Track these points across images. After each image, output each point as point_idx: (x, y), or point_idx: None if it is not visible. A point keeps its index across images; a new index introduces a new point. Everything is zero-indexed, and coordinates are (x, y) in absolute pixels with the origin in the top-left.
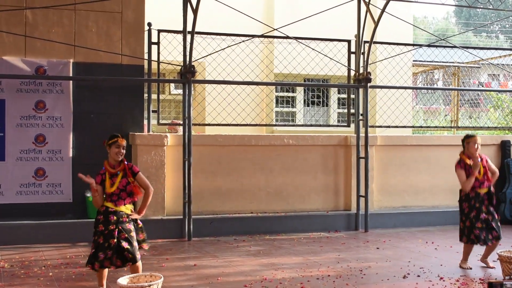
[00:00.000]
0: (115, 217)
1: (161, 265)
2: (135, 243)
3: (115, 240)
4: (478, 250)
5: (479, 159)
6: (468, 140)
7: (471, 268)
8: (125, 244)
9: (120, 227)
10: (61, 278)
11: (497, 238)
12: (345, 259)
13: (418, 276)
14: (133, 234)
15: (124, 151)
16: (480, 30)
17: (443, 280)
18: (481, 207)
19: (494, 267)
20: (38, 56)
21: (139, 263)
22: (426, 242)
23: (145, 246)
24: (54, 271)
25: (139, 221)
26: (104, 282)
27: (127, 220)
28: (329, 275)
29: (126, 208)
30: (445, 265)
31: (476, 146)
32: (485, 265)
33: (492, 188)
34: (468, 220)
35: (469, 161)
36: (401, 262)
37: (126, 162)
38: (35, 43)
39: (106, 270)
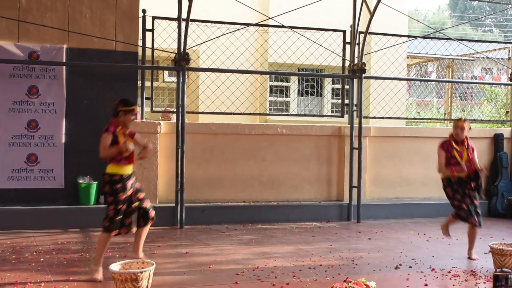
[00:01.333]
0: (130, 182)
1: (153, 252)
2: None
3: (137, 203)
4: (464, 245)
5: (466, 146)
6: (455, 122)
7: (449, 236)
8: (146, 204)
9: (136, 188)
10: (52, 263)
11: (479, 224)
12: (337, 249)
13: (410, 267)
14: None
15: None
16: (477, 23)
17: (435, 271)
18: (464, 190)
19: (477, 259)
20: (31, 41)
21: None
22: (418, 234)
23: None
24: (45, 256)
25: None
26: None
27: (136, 179)
28: (321, 265)
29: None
30: (436, 257)
31: (459, 129)
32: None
33: (479, 176)
34: (455, 200)
35: (455, 145)
36: (393, 253)
37: None
38: (29, 28)
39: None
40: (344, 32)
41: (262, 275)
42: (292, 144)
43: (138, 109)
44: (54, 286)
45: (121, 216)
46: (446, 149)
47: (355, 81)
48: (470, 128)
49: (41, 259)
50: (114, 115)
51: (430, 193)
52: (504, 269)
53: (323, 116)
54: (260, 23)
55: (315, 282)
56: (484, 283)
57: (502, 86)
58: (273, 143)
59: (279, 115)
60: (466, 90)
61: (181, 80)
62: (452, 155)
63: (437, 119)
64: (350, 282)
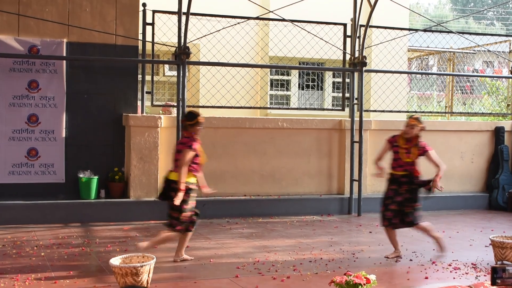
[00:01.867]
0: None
1: (154, 246)
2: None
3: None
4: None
5: (415, 144)
6: (407, 120)
7: (399, 258)
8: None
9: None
10: (53, 258)
11: (410, 224)
12: (338, 243)
13: (411, 260)
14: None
15: None
16: (480, 17)
17: (435, 264)
18: (398, 190)
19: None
20: (31, 35)
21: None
22: None
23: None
24: (46, 251)
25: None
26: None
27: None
28: (321, 258)
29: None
30: (437, 250)
31: (409, 127)
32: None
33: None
34: (385, 198)
35: (402, 142)
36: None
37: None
38: (29, 22)
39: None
40: (344, 25)
41: (262, 268)
42: (293, 138)
43: (203, 119)
44: (55, 281)
45: (192, 219)
46: (392, 143)
47: (356, 74)
48: (422, 129)
49: (42, 254)
50: (183, 128)
51: None
52: (505, 262)
53: (323, 109)
54: (260, 17)
55: (315, 276)
56: (485, 275)
57: (503, 79)
58: (273, 137)
59: (279, 108)
60: (465, 83)
61: (181, 74)
62: (395, 151)
63: (437, 112)
64: (351, 275)
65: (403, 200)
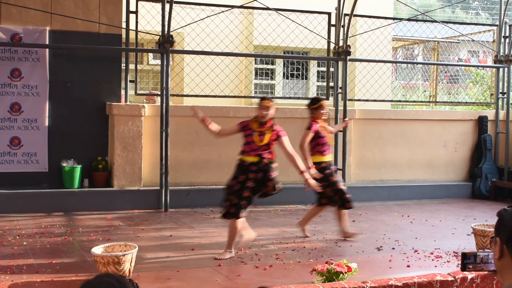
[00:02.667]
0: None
1: (137, 235)
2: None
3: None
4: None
5: (269, 127)
6: (259, 102)
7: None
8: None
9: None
10: (35, 247)
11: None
12: (321, 231)
13: (393, 248)
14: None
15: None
16: (467, 6)
17: (417, 253)
18: (246, 179)
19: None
20: (13, 23)
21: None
22: (402, 216)
23: None
24: (28, 240)
25: None
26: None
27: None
28: (304, 247)
29: None
30: (420, 238)
31: (264, 109)
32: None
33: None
34: (229, 187)
35: (255, 126)
36: (376, 234)
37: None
38: (11, 10)
39: None
40: (329, 14)
41: (245, 257)
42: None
43: (326, 103)
44: (37, 269)
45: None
46: (243, 128)
47: (340, 63)
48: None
49: (24, 243)
50: (309, 114)
51: (414, 175)
52: (486, 250)
53: (308, 99)
54: (245, 5)
55: (298, 264)
56: None
57: (487, 68)
58: None
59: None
60: (445, 73)
61: (165, 63)
62: (247, 134)
63: (421, 101)
64: (332, 263)
65: (249, 190)
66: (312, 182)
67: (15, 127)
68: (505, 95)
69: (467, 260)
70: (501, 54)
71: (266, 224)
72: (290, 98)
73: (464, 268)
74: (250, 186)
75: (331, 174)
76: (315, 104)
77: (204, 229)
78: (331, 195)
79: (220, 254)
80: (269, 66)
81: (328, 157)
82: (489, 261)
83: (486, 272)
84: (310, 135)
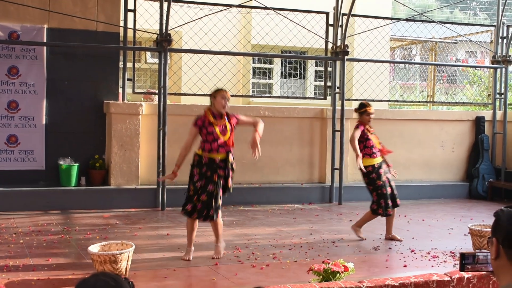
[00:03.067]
0: (382, 169)
1: (133, 234)
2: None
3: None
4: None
5: (226, 118)
6: (219, 93)
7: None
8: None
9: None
10: (32, 245)
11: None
12: (318, 231)
13: (390, 248)
14: None
15: None
16: (465, 7)
17: (414, 253)
18: (212, 177)
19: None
20: (11, 20)
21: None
22: (399, 215)
23: None
24: (25, 238)
25: None
26: None
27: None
28: (301, 246)
29: None
30: (416, 238)
31: (226, 99)
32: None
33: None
34: (191, 185)
35: (213, 120)
36: (373, 234)
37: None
38: (9, 8)
39: None
40: (327, 14)
41: (242, 256)
42: (275, 126)
43: (372, 108)
44: (33, 268)
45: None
46: (202, 125)
47: (338, 63)
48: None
49: (21, 241)
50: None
51: (412, 175)
52: (483, 250)
53: (305, 98)
54: (243, 5)
55: (294, 263)
56: None
57: (485, 69)
58: None
59: (261, 97)
60: (443, 73)
61: (163, 62)
62: (209, 131)
63: (419, 101)
64: (329, 263)
65: (217, 189)
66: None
67: (12, 125)
68: (503, 96)
69: (465, 261)
70: (499, 54)
71: (263, 223)
72: (288, 97)
73: (462, 268)
74: (220, 184)
75: (379, 177)
76: (360, 109)
77: (201, 228)
78: (375, 200)
79: (215, 253)
80: (267, 66)
81: (377, 160)
82: (488, 262)
83: (484, 273)
84: (358, 131)
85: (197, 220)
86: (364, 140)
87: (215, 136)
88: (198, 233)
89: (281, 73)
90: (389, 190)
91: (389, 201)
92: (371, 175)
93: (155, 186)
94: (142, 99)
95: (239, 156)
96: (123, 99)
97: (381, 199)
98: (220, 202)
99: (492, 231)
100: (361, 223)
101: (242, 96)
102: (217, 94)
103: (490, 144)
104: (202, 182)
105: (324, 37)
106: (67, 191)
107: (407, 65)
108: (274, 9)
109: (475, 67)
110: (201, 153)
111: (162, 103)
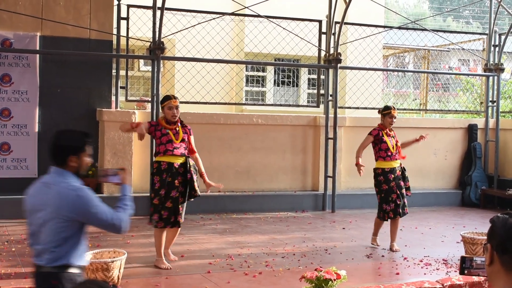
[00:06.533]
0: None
1: (126, 241)
2: None
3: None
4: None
5: (181, 125)
6: (167, 102)
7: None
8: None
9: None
10: (23, 253)
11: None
12: (311, 239)
13: (383, 256)
14: None
15: None
16: (458, 15)
17: (407, 260)
18: (173, 181)
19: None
20: (4, 28)
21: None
22: None
23: None
24: (17, 246)
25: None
26: None
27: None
28: (294, 254)
29: None
30: (409, 246)
31: (172, 110)
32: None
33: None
34: (157, 198)
35: (167, 125)
36: (366, 242)
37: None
38: (1, 15)
39: None
40: (320, 22)
41: (235, 264)
42: (268, 134)
43: (396, 112)
44: (25, 276)
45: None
46: (159, 130)
47: (331, 71)
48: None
49: (13, 249)
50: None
51: None
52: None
53: (298, 106)
54: (236, 13)
55: (287, 271)
56: (455, 271)
57: (477, 77)
58: (248, 133)
59: (255, 105)
60: (437, 81)
61: (156, 69)
62: (163, 133)
63: (412, 109)
64: (321, 271)
65: (179, 195)
66: (211, 182)
67: (4, 133)
68: (495, 104)
69: (465, 264)
70: (491, 62)
71: (255, 231)
72: (281, 105)
73: (462, 271)
74: (181, 190)
75: (386, 181)
76: (384, 111)
77: (194, 236)
78: (378, 203)
79: (158, 262)
80: (260, 73)
81: (389, 164)
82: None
83: (475, 279)
84: (368, 140)
85: (165, 229)
86: (379, 143)
87: (169, 138)
88: (190, 240)
89: (274, 81)
90: (393, 196)
91: (390, 207)
92: (379, 178)
93: (148, 194)
94: (135, 106)
95: (233, 164)
96: (116, 107)
97: (382, 203)
98: (181, 208)
99: (488, 237)
100: (375, 231)
101: (235, 104)
102: (168, 102)
103: (482, 151)
104: (164, 189)
105: (317, 45)
106: None
107: (400, 73)
108: (267, 17)
109: (468, 75)
110: (159, 159)
111: (155, 110)
